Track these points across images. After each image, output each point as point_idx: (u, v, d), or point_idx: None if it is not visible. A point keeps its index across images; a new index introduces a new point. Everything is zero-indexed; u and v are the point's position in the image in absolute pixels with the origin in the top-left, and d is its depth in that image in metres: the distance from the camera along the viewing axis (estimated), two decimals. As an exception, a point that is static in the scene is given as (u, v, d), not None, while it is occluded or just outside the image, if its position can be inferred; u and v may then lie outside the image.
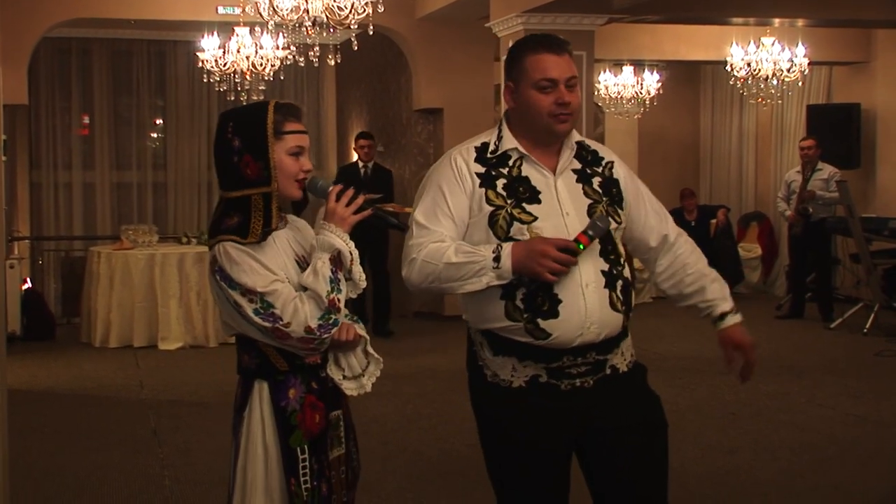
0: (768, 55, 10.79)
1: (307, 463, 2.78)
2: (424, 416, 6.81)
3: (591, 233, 2.80)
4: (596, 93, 12.48)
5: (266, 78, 9.61)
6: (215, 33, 9.68)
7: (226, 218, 2.77)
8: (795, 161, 11.52)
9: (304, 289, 2.72)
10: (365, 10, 7.24)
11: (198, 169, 14.48)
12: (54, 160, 13.97)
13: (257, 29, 9.29)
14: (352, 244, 2.76)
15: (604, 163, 3.03)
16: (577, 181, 2.94)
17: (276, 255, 2.77)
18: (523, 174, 2.90)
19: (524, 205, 2.86)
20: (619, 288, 2.89)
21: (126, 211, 14.21)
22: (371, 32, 7.83)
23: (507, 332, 2.87)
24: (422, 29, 11.02)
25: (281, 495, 2.77)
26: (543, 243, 2.77)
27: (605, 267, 2.87)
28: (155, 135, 14.77)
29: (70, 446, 6.25)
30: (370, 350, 2.92)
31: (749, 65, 10.83)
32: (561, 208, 2.87)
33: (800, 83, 11.36)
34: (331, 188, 2.81)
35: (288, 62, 9.41)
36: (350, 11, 7.21)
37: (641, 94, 13.37)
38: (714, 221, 12.88)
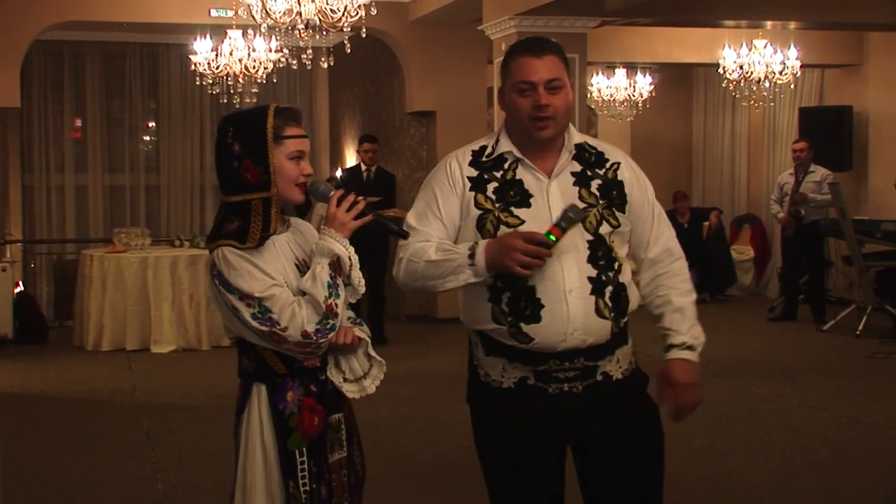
0: (760, 57, 10.82)
1: (305, 465, 2.78)
2: (417, 419, 6.80)
3: (563, 224, 2.76)
4: (588, 95, 12.51)
5: (259, 81, 9.61)
6: (208, 36, 9.68)
7: (226, 223, 2.78)
8: (788, 163, 11.55)
9: (303, 293, 2.72)
10: (358, 13, 7.24)
11: (190, 172, 14.46)
12: (47, 163, 13.95)
13: (250, 32, 9.30)
14: (351, 249, 2.77)
15: (608, 164, 2.98)
16: (575, 184, 2.90)
17: (275, 259, 2.78)
18: (517, 177, 2.90)
19: (512, 208, 2.86)
20: (608, 294, 2.85)
21: (119, 214, 14.19)
22: (364, 35, 7.82)
23: (495, 335, 2.89)
24: (414, 32, 11.03)
25: (281, 497, 2.78)
26: (513, 237, 2.76)
27: (593, 273, 2.84)
28: (147, 138, 14.77)
29: (62, 450, 6.23)
30: (372, 353, 2.92)
31: (741, 67, 10.87)
32: (550, 213, 2.85)
33: (792, 86, 11.40)
34: (332, 193, 2.81)
35: (281, 65, 9.41)
36: (343, 14, 7.22)
37: (634, 96, 13.41)
38: (707, 224, 12.91)
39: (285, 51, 8.89)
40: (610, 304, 2.85)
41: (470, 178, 2.91)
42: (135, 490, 5.42)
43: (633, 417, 2.94)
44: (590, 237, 2.86)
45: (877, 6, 9.88)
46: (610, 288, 2.86)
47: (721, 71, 10.95)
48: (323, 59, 7.99)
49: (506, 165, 2.92)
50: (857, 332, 9.56)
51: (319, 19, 7.25)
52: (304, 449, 2.79)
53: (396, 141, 11.82)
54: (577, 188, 2.90)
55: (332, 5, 7.20)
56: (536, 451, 2.92)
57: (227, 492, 2.92)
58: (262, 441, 2.78)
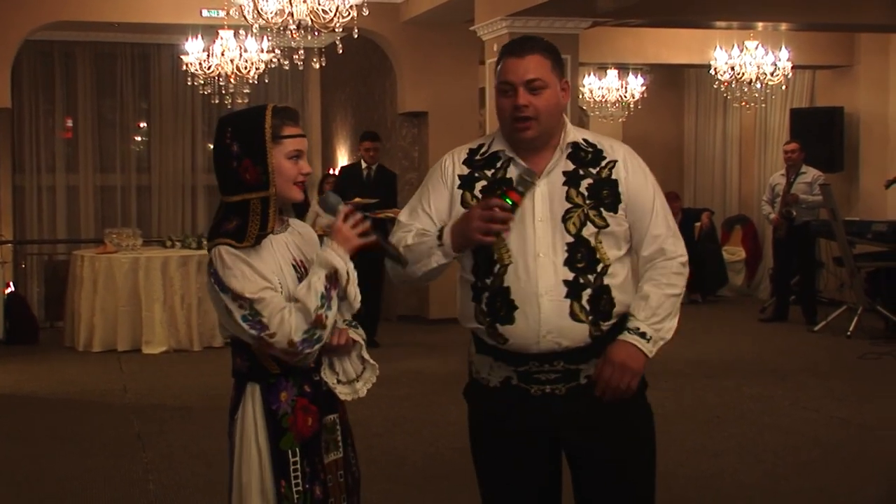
0: (752, 59, 10.83)
1: (298, 466, 2.79)
2: (409, 420, 6.80)
3: (520, 188, 2.81)
4: (580, 96, 12.50)
5: (250, 81, 9.60)
6: (199, 36, 9.66)
7: (224, 222, 2.79)
8: (779, 164, 11.57)
9: (296, 300, 2.73)
10: (350, 14, 7.23)
11: (182, 172, 14.43)
12: (38, 163, 13.91)
13: (241, 32, 9.29)
14: (350, 265, 2.78)
15: (604, 163, 2.92)
16: (565, 184, 2.88)
17: (272, 259, 2.79)
18: (508, 176, 2.90)
19: None
20: (585, 298, 2.82)
21: (110, 214, 14.15)
22: (356, 36, 7.82)
23: (479, 334, 2.94)
24: (406, 32, 11.02)
25: (275, 498, 2.78)
26: (472, 209, 2.81)
27: (570, 276, 2.82)
28: (139, 138, 14.73)
29: (53, 451, 6.21)
30: (366, 356, 2.93)
31: (733, 68, 10.88)
32: (534, 214, 2.85)
33: (783, 87, 11.41)
34: (341, 207, 2.83)
35: (272, 65, 9.41)
36: (335, 15, 7.20)
37: (626, 97, 13.42)
38: (698, 225, 12.93)
39: (277, 51, 8.87)
40: (588, 307, 2.83)
41: (461, 176, 2.94)
42: (126, 491, 5.41)
43: (623, 420, 2.92)
44: (570, 239, 2.83)
45: (868, 7, 9.91)
46: (589, 291, 2.83)
47: (712, 72, 10.96)
48: (315, 60, 7.98)
49: (498, 164, 2.93)
50: (849, 333, 9.57)
51: (311, 20, 7.24)
52: (297, 449, 2.79)
53: (388, 142, 11.79)
54: (566, 188, 2.88)
55: (323, 6, 7.19)
56: (525, 447, 2.94)
57: (220, 493, 2.92)
58: (256, 441, 2.79)
